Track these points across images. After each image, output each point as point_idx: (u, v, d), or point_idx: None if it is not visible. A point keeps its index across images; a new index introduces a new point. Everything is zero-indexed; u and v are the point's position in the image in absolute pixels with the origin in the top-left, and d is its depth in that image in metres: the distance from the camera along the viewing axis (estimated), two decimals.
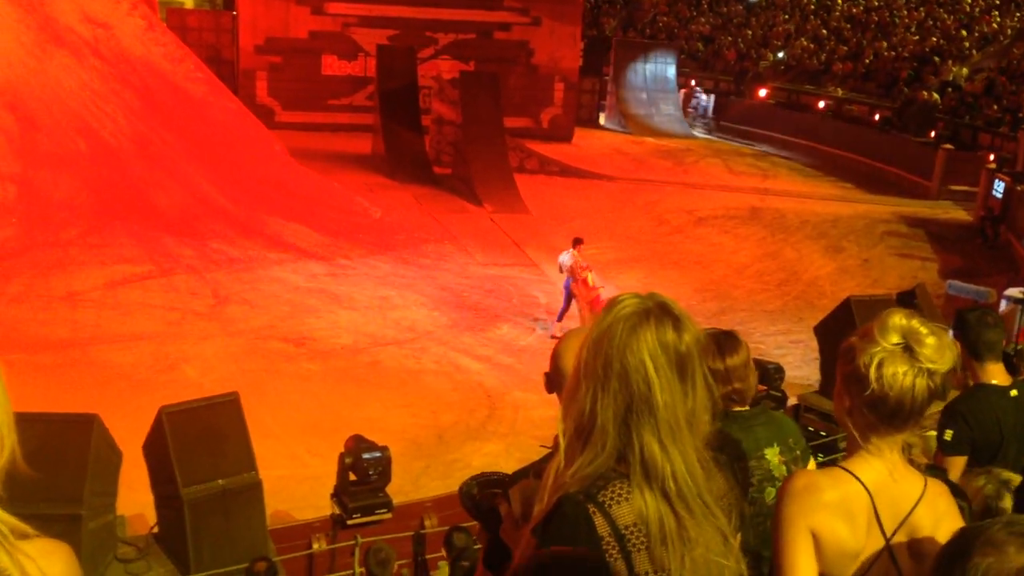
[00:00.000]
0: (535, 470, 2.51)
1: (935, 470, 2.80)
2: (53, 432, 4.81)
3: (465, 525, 5.63)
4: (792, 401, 8.62)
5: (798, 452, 3.14)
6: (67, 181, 14.91)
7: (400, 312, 13.40)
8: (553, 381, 3.09)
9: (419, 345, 12.38)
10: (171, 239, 14.55)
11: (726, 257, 17.19)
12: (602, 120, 30.31)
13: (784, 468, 3.05)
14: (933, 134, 23.67)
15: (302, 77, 25.74)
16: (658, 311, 1.82)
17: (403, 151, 21.54)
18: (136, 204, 15.19)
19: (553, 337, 12.79)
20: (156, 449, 5.52)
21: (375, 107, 22.76)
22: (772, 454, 3.07)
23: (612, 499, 1.79)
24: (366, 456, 6.13)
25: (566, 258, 13.00)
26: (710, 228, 18.89)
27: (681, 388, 1.80)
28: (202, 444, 5.46)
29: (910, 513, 2.00)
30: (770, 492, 2.96)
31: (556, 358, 3.03)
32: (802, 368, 11.74)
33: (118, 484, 5.53)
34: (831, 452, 7.82)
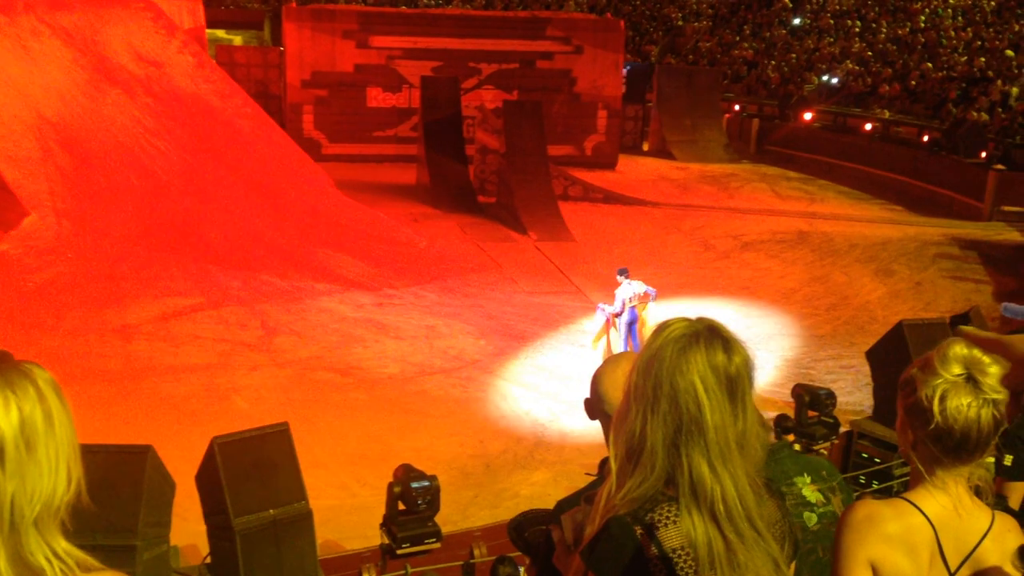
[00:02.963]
0: (585, 496, 2.50)
1: (1002, 502, 2.73)
2: (109, 463, 4.88)
3: (511, 555, 5.59)
4: (845, 428, 8.46)
5: (834, 483, 3.07)
6: (120, 216, 15.23)
7: (447, 341, 13.44)
8: (593, 407, 3.08)
9: (466, 374, 12.39)
10: (221, 271, 14.77)
11: (774, 282, 17.01)
12: (645, 147, 30.28)
13: (819, 495, 2.99)
14: (984, 155, 23.27)
15: (348, 110, 26.11)
16: (708, 333, 1.81)
17: (447, 181, 21.70)
18: (186, 237, 15.45)
19: None
20: (208, 479, 5.56)
21: (419, 138, 22.98)
22: (802, 482, 3.02)
23: (660, 521, 1.79)
24: (415, 485, 6.11)
25: (636, 287, 12.79)
26: (757, 253, 18.73)
27: (731, 410, 1.79)
28: (253, 474, 5.50)
29: (976, 548, 1.95)
30: (809, 517, 2.91)
31: (595, 384, 3.03)
32: (854, 394, 11.54)
33: (172, 514, 5.59)
34: (886, 479, 7.66)
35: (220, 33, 30.27)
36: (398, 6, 32.83)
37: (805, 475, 3.03)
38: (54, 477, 1.50)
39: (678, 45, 35.85)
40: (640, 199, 22.64)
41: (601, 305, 13.00)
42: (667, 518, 1.79)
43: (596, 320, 12.99)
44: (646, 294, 12.68)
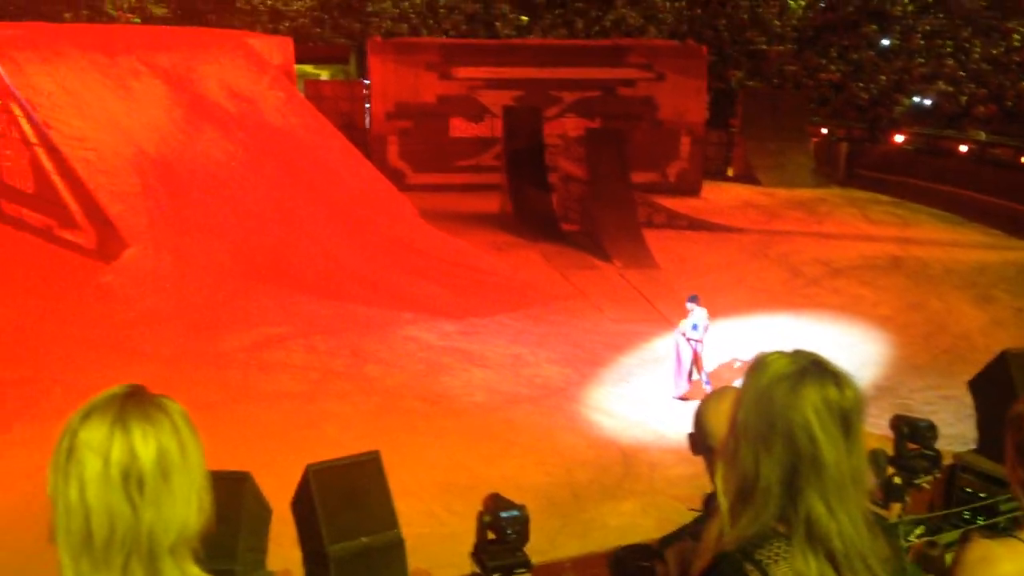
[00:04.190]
0: (690, 532, 2.45)
1: None
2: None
3: None
4: (948, 461, 8.16)
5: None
6: (215, 248, 15.70)
7: (532, 369, 13.43)
8: (697, 442, 3.03)
9: (552, 402, 12.35)
10: (311, 301, 15.06)
11: (866, 309, 16.58)
12: (730, 172, 29.97)
13: None
14: None
15: (431, 140, 26.52)
16: (816, 368, 1.79)
17: (531, 209, 21.79)
18: (277, 268, 15.84)
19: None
20: (303, 506, 5.65)
21: (502, 167, 23.16)
22: None
23: (770, 558, 1.75)
24: (504, 515, 6.09)
25: (699, 316, 12.79)
26: (848, 279, 18.29)
27: (846, 446, 1.75)
28: (346, 501, 5.56)
29: None
30: None
31: (699, 419, 2.97)
32: (956, 426, 11.12)
33: (268, 540, 5.68)
34: (992, 515, 7.35)
35: (308, 68, 31.09)
36: (479, 37, 33.26)
37: None
38: (187, 506, 1.56)
39: (762, 69, 35.48)
40: (725, 225, 22.38)
41: (684, 332, 12.88)
42: (777, 555, 1.76)
43: (683, 349, 12.84)
44: (705, 327, 12.76)
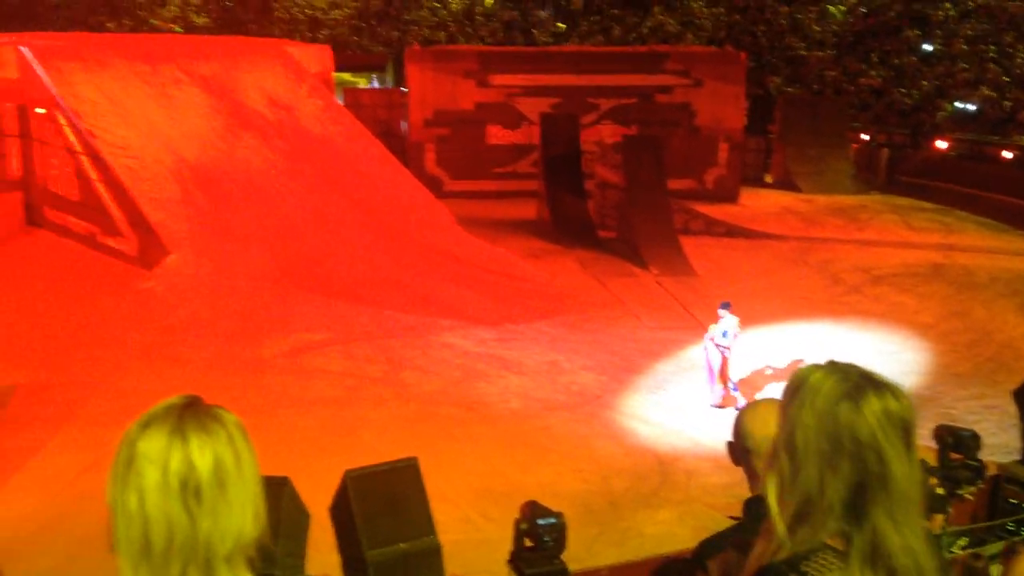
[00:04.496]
0: (733, 542, 2.42)
1: None
2: None
3: None
4: (991, 471, 8.01)
5: None
6: (254, 255, 15.84)
7: (569, 377, 13.40)
8: (737, 452, 3.00)
9: (589, 410, 12.31)
10: (348, 307, 15.15)
11: (908, 317, 16.35)
12: (768, 179, 29.73)
13: None
14: None
15: (468, 147, 26.60)
16: (868, 382, 1.75)
17: (567, 216, 21.76)
18: (315, 274, 15.95)
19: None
20: (341, 512, 5.67)
21: (539, 174, 23.16)
22: None
23: (817, 570, 1.72)
24: (541, 522, 6.07)
25: (730, 323, 12.70)
26: (889, 287, 18.05)
27: (908, 457, 1.72)
28: (384, 507, 5.58)
29: None
30: None
31: (739, 428, 2.94)
32: (999, 435, 10.91)
33: (307, 545, 5.70)
34: None
35: (346, 76, 31.35)
36: (517, 45, 33.32)
37: None
38: (243, 515, 1.59)
39: (801, 75, 35.17)
40: (764, 232, 22.18)
41: (713, 338, 12.78)
42: (824, 566, 1.73)
43: (712, 355, 12.73)
44: (735, 334, 12.67)
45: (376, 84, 32.08)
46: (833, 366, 1.80)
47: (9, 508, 9.10)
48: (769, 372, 13.60)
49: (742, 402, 12.44)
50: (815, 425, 1.74)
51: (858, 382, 1.75)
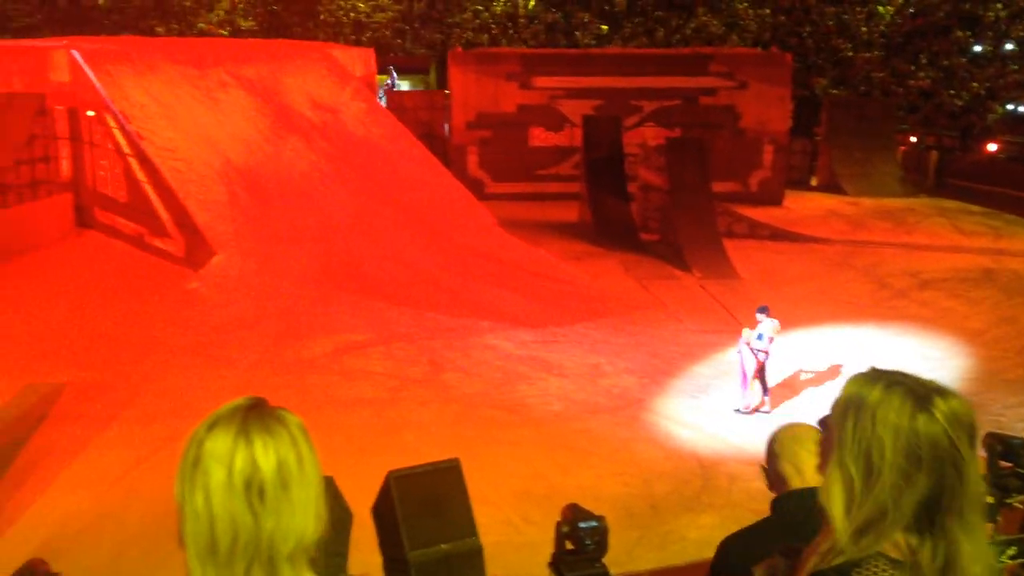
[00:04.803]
0: (780, 550, 2.40)
1: None
2: None
3: None
4: None
5: None
6: (297, 256, 16.00)
7: (611, 379, 13.34)
8: (773, 481, 2.97)
9: (630, 413, 12.25)
10: (390, 309, 15.22)
11: (957, 323, 16.06)
12: (814, 182, 29.40)
13: None
14: None
15: (511, 149, 26.63)
16: (926, 389, 1.72)
17: (610, 218, 21.70)
18: (358, 276, 16.05)
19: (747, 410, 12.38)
20: (384, 512, 5.69)
21: (581, 176, 23.13)
22: None
23: None
24: (583, 525, 6.05)
25: (772, 326, 12.55)
26: (937, 291, 17.74)
27: (974, 459, 1.69)
28: (426, 508, 5.59)
29: None
30: None
31: (774, 459, 2.92)
32: None
33: (350, 544, 5.73)
34: None
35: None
36: (559, 47, 33.30)
37: None
38: (305, 515, 1.62)
39: (848, 76, 34.73)
40: (809, 235, 21.94)
41: (748, 342, 12.62)
42: (875, 573, 1.70)
43: (746, 358, 12.57)
44: (771, 338, 12.49)
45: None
46: (878, 374, 1.76)
47: (56, 505, 9.26)
48: (806, 376, 13.46)
49: (766, 408, 12.31)
50: (891, 442, 1.70)
51: (923, 394, 1.71)
